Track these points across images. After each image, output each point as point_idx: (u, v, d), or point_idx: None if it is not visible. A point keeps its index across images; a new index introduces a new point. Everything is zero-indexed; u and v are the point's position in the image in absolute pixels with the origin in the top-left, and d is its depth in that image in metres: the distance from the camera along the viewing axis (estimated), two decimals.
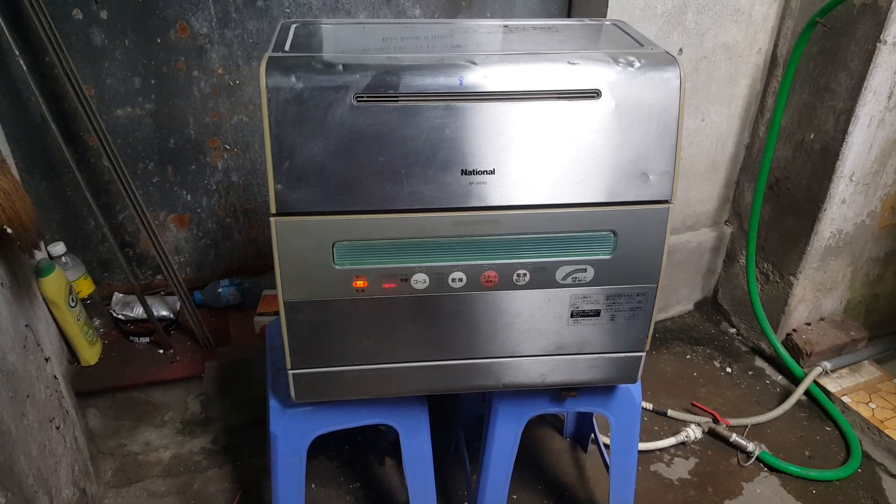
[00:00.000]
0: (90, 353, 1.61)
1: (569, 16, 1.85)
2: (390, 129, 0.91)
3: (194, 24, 1.53)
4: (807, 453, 1.78)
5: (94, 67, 1.50)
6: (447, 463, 1.69)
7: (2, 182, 1.21)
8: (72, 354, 1.61)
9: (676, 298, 2.30)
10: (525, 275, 1.04)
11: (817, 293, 2.07)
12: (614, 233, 1.02)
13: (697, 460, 1.75)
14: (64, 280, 1.51)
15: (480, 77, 0.92)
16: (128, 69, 1.53)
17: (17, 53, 1.36)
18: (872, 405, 1.89)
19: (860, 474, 1.72)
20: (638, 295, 1.08)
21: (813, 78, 1.81)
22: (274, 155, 0.91)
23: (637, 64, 0.95)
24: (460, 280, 1.03)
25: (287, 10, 1.58)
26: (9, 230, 1.21)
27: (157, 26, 1.50)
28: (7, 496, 1.08)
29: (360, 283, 1.01)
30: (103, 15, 1.46)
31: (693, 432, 1.78)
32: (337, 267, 0.99)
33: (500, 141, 0.94)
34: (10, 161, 1.49)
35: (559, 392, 1.22)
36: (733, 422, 1.84)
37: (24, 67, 1.37)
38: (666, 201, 1.01)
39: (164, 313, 1.73)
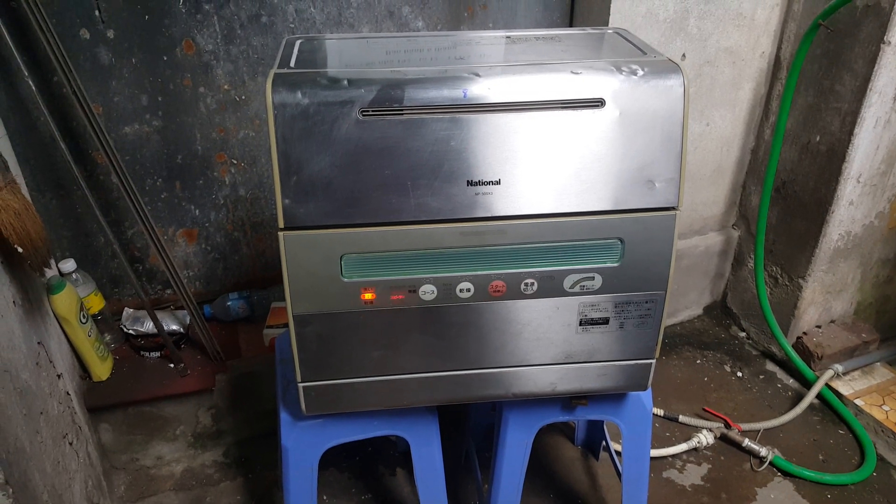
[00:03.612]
0: (102, 369, 1.62)
1: (571, 25, 1.86)
2: (396, 142, 0.92)
3: (200, 42, 1.54)
4: (820, 457, 1.77)
5: (102, 86, 1.52)
6: (458, 473, 1.68)
7: (12, 202, 1.22)
8: (84, 370, 1.62)
9: (685, 303, 2.29)
10: (533, 284, 1.04)
11: (827, 295, 2.06)
12: (621, 240, 1.02)
13: (710, 466, 1.74)
14: (75, 296, 1.52)
15: (484, 89, 0.92)
16: (135, 87, 1.54)
17: (26, 74, 1.37)
18: (886, 407, 1.87)
19: (875, 478, 1.70)
20: (646, 302, 1.08)
21: (817, 80, 1.80)
22: (281, 170, 0.91)
23: (640, 72, 0.95)
24: (468, 290, 1.03)
25: (291, 26, 1.59)
26: (20, 249, 1.23)
27: (163, 44, 1.52)
28: None
29: (368, 296, 1.01)
30: (110, 34, 1.47)
31: (705, 438, 1.77)
32: (345, 279, 1.00)
33: (505, 151, 0.94)
34: (21, 180, 1.50)
35: (569, 400, 1.22)
36: (745, 426, 1.83)
37: (33, 87, 1.39)
38: (672, 208, 1.01)
39: (175, 327, 1.74)
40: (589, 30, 1.25)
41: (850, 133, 1.74)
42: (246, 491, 1.65)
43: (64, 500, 1.28)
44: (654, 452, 1.73)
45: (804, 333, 2.08)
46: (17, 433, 1.12)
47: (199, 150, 1.66)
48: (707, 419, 1.87)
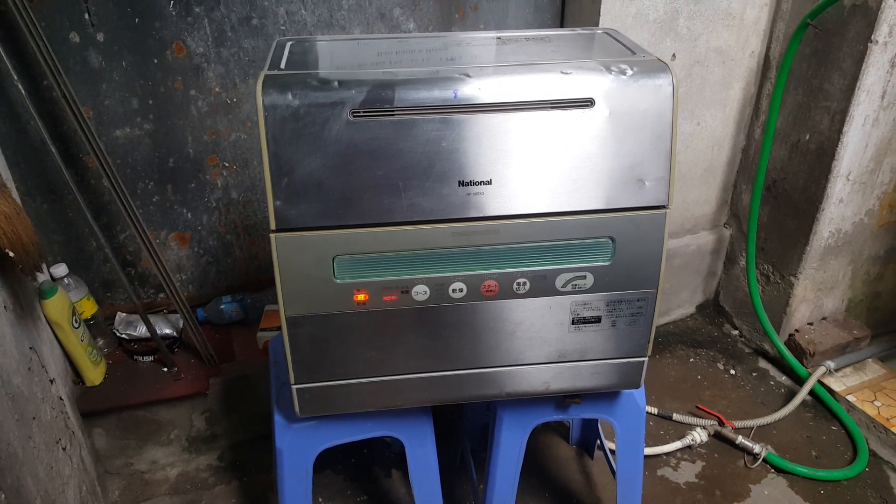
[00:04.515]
0: (95, 374, 1.61)
1: (561, 25, 1.87)
2: (387, 142, 0.92)
3: (190, 44, 1.54)
4: (813, 453, 1.78)
5: (92, 89, 1.52)
6: (453, 473, 1.68)
7: (2, 206, 1.22)
8: (76, 375, 1.62)
9: (678, 302, 2.30)
10: (525, 283, 1.04)
11: (818, 293, 2.07)
12: (612, 239, 1.03)
13: (704, 463, 1.75)
14: (67, 301, 1.52)
15: (475, 89, 0.93)
16: (125, 90, 1.54)
17: (16, 78, 1.37)
18: (878, 403, 1.89)
19: (868, 473, 1.71)
20: (638, 300, 1.09)
21: (806, 79, 1.82)
22: (272, 172, 0.91)
23: (630, 72, 0.96)
24: (461, 290, 1.03)
25: (282, 28, 1.59)
26: (11, 253, 1.22)
27: (153, 47, 1.52)
28: None
29: (361, 297, 1.01)
30: (100, 37, 1.47)
31: (699, 435, 1.78)
32: (338, 281, 1.00)
33: (496, 151, 0.95)
34: (11, 184, 1.50)
35: (563, 399, 1.22)
36: (739, 424, 1.84)
37: (23, 91, 1.38)
38: (663, 206, 1.01)
39: (168, 331, 1.73)
40: (579, 30, 1.26)
41: (840, 131, 1.75)
42: (241, 494, 1.65)
43: None
44: (649, 450, 1.74)
45: (796, 331, 2.09)
46: (9, 438, 1.12)
47: (190, 153, 1.66)
48: (701, 417, 1.88)
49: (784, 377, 2.06)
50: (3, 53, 1.34)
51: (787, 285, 2.03)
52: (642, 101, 0.96)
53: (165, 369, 1.68)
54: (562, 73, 0.95)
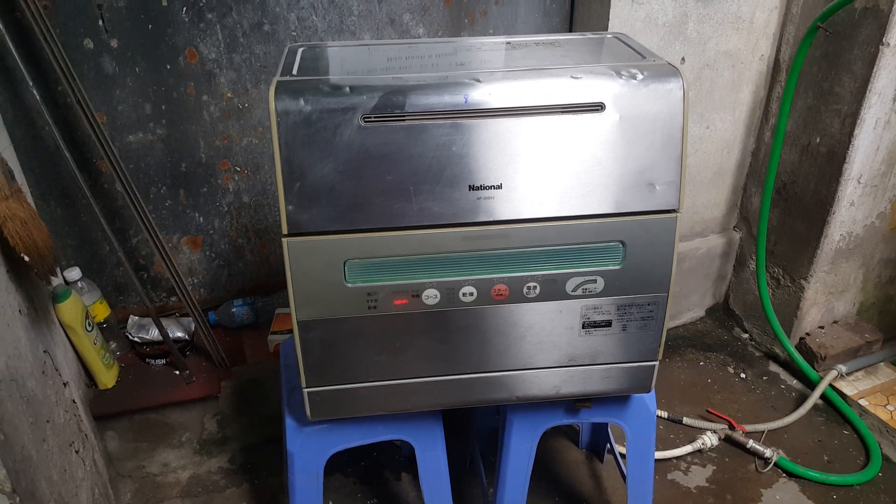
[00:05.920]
0: (107, 377, 1.63)
1: (571, 30, 1.87)
2: (398, 147, 0.93)
3: (203, 50, 1.55)
4: (825, 458, 1.77)
5: (106, 95, 1.53)
6: (463, 476, 1.69)
7: (18, 210, 1.23)
8: (89, 378, 1.63)
9: (688, 305, 2.30)
10: (535, 287, 1.04)
11: (829, 296, 2.06)
12: (623, 243, 1.03)
13: (715, 467, 1.74)
14: (80, 305, 1.53)
15: (485, 94, 0.93)
16: (139, 96, 1.56)
17: (31, 84, 1.39)
18: (890, 407, 1.87)
19: (881, 478, 1.70)
20: (649, 304, 1.09)
21: (817, 82, 1.81)
22: (284, 177, 0.92)
23: (640, 76, 0.96)
24: (471, 294, 1.04)
25: (293, 34, 1.61)
26: (26, 258, 1.24)
27: (166, 53, 1.53)
28: None
29: (372, 301, 1.02)
30: (114, 43, 1.49)
31: (709, 439, 1.77)
32: (349, 285, 1.00)
33: (506, 156, 0.95)
34: (26, 189, 1.51)
35: (573, 403, 1.22)
36: (749, 428, 1.83)
37: (38, 97, 1.40)
38: (673, 210, 1.02)
39: (180, 334, 1.74)
40: (588, 35, 1.26)
41: (850, 134, 1.75)
42: (252, 497, 1.66)
43: None
44: (659, 454, 1.73)
45: (807, 334, 2.08)
46: (23, 442, 1.13)
47: (202, 157, 1.67)
48: (711, 421, 1.87)
49: (795, 381, 2.05)
50: (18, 59, 1.36)
51: (798, 288, 2.02)
52: (653, 105, 0.96)
53: (177, 372, 1.69)
54: (572, 77, 0.95)
